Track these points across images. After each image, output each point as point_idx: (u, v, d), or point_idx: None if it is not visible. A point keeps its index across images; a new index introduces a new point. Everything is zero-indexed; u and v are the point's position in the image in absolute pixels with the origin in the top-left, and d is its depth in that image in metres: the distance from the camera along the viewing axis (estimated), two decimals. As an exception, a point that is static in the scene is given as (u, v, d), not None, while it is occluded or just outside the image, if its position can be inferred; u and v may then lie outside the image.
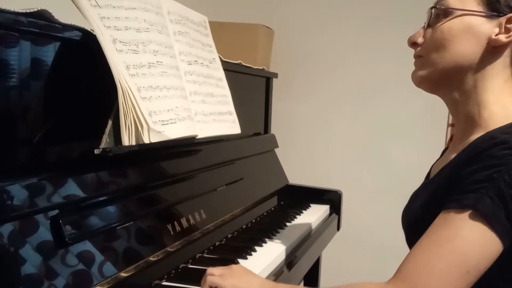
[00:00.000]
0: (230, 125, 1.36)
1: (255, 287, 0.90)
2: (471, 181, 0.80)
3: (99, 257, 0.85)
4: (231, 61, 1.57)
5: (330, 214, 1.79)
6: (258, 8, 2.61)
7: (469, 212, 0.78)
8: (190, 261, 1.12)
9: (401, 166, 2.44)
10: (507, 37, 0.89)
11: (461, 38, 0.90)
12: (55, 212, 0.82)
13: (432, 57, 0.93)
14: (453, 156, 0.91)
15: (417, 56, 0.97)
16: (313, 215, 1.67)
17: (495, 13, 0.89)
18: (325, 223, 1.68)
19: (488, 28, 0.89)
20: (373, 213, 2.48)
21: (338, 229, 1.84)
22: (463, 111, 0.94)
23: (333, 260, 2.07)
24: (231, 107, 1.39)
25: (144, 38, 1.03)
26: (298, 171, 2.05)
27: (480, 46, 0.90)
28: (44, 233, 0.79)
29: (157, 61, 1.05)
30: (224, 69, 1.40)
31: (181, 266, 1.09)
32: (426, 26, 0.95)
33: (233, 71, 1.55)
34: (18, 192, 0.78)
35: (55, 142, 0.92)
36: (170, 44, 1.14)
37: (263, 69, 1.89)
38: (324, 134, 2.59)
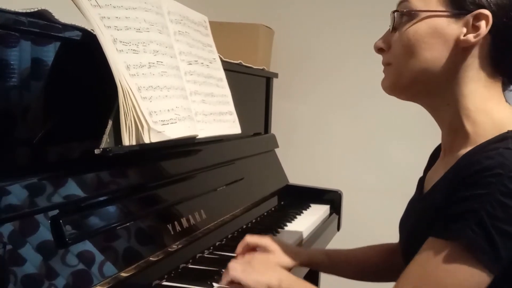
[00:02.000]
0: (230, 125, 1.36)
1: (275, 283, 0.91)
2: (455, 211, 0.76)
3: (99, 257, 0.85)
4: (231, 61, 1.57)
5: (330, 214, 1.79)
6: (258, 8, 2.61)
7: (453, 244, 0.75)
8: (190, 261, 1.12)
9: (401, 166, 2.44)
10: (476, 36, 0.83)
11: (428, 43, 0.85)
12: (55, 212, 0.82)
13: (401, 64, 0.88)
14: (443, 170, 0.87)
15: (385, 64, 0.92)
16: (313, 215, 1.67)
17: (461, 11, 0.84)
18: (325, 223, 1.68)
19: (456, 28, 0.84)
20: (373, 213, 2.48)
21: (338, 229, 1.84)
22: (446, 120, 0.89)
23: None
24: (231, 107, 1.39)
25: (144, 38, 1.03)
26: (298, 171, 2.05)
27: (449, 49, 0.85)
28: (44, 233, 0.79)
29: (157, 61, 1.05)
30: (224, 69, 1.40)
31: (181, 266, 1.09)
32: (391, 30, 0.90)
33: (233, 71, 1.55)
34: (18, 192, 0.78)
35: (55, 142, 0.92)
36: (170, 44, 1.14)
37: (263, 69, 1.89)
38: (324, 134, 2.59)
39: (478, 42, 0.83)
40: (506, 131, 0.81)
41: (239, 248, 1.10)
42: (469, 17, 0.83)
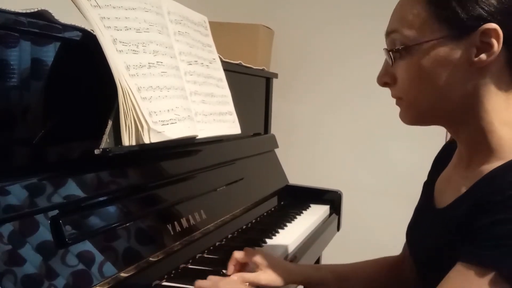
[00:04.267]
0: (230, 125, 1.36)
1: None
2: (492, 235, 0.69)
3: (99, 257, 0.85)
4: (231, 61, 1.57)
5: (330, 214, 1.79)
6: (258, 8, 2.61)
7: (491, 272, 0.68)
8: (190, 261, 1.12)
9: (401, 166, 2.45)
10: (489, 55, 0.74)
11: (437, 73, 0.77)
12: (55, 212, 0.82)
13: (413, 99, 0.81)
14: (462, 184, 0.81)
15: (396, 98, 0.85)
16: (313, 215, 1.67)
17: (463, 31, 0.75)
18: (325, 223, 1.68)
19: (463, 51, 0.75)
20: (373, 213, 2.48)
21: (338, 229, 1.84)
22: (465, 135, 0.82)
23: (333, 260, 2.06)
24: (231, 107, 1.39)
25: (144, 38, 1.03)
26: (298, 171, 2.05)
27: (462, 73, 0.76)
28: (44, 233, 0.79)
29: (157, 61, 1.05)
30: (224, 69, 1.40)
31: (181, 266, 1.09)
32: (391, 64, 0.82)
33: (233, 71, 1.55)
34: (18, 192, 0.78)
35: (55, 142, 0.92)
36: (170, 44, 1.14)
37: (263, 69, 1.89)
38: (324, 134, 2.59)
39: (493, 58, 0.75)
40: None
41: (231, 266, 1.02)
42: (475, 36, 0.74)
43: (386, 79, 0.83)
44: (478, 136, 0.80)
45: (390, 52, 0.80)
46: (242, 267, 1.04)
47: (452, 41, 0.76)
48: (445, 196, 0.86)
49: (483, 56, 0.75)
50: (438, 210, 0.87)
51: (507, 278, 0.67)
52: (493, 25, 0.73)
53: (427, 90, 0.79)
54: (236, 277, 0.97)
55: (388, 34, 0.82)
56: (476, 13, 0.74)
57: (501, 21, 0.74)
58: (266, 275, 0.99)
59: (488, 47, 0.74)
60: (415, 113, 0.83)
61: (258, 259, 1.01)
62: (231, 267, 1.02)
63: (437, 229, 0.84)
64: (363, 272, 1.09)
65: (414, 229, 0.96)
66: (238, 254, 1.03)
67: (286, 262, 1.07)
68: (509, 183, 0.71)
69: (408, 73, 0.79)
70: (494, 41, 0.74)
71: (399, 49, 0.79)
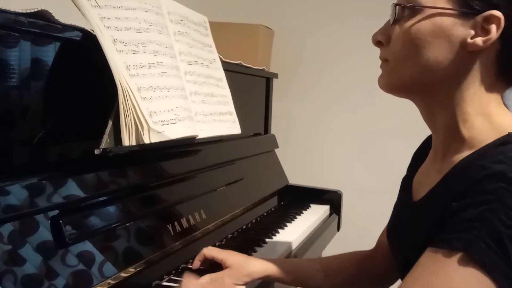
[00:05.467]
0: (230, 125, 1.36)
1: None
2: (462, 219, 0.69)
3: (99, 257, 0.85)
4: (231, 61, 1.58)
5: (330, 214, 1.79)
6: (258, 8, 2.61)
7: (460, 256, 0.68)
8: (190, 261, 1.12)
9: (401, 165, 2.43)
10: (485, 41, 0.75)
11: (431, 43, 0.78)
12: (55, 212, 0.82)
13: (399, 63, 0.81)
14: (437, 175, 0.82)
15: (382, 59, 0.85)
16: (313, 215, 1.67)
17: (470, 11, 0.76)
18: (325, 223, 1.68)
19: (462, 29, 0.76)
20: (373, 213, 2.48)
21: (338, 229, 1.84)
22: (441, 124, 0.83)
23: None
24: (231, 107, 1.39)
25: (144, 38, 1.03)
26: (298, 171, 2.05)
27: (453, 51, 0.77)
28: (44, 233, 0.79)
29: (157, 61, 1.05)
30: (224, 69, 1.40)
31: (181, 266, 1.09)
32: (391, 22, 0.82)
33: (233, 71, 1.55)
34: (18, 192, 0.78)
35: (55, 142, 0.92)
36: (170, 44, 1.14)
37: (263, 69, 1.89)
38: (324, 134, 2.59)
39: (487, 46, 0.76)
40: (506, 134, 0.76)
41: (196, 261, 1.05)
42: (479, 18, 0.76)
43: (381, 38, 0.84)
44: (452, 125, 0.81)
45: (397, 7, 0.81)
46: (209, 263, 1.05)
47: (458, 17, 0.77)
48: (421, 190, 0.87)
49: (478, 40, 0.76)
50: (414, 203, 0.88)
51: (477, 261, 0.67)
52: (498, 13, 0.75)
53: (415, 58, 0.80)
54: (205, 279, 0.96)
55: None
56: None
57: (506, 13, 0.75)
58: (231, 274, 0.99)
59: (486, 34, 0.76)
60: (396, 79, 0.83)
61: (225, 256, 1.02)
62: (196, 261, 1.05)
63: (414, 223, 0.84)
64: (335, 264, 1.13)
65: (394, 226, 0.97)
66: (207, 251, 1.05)
67: (257, 259, 1.06)
68: (479, 167, 0.72)
69: (404, 35, 0.80)
70: (494, 29, 0.75)
71: (406, 6, 0.80)
